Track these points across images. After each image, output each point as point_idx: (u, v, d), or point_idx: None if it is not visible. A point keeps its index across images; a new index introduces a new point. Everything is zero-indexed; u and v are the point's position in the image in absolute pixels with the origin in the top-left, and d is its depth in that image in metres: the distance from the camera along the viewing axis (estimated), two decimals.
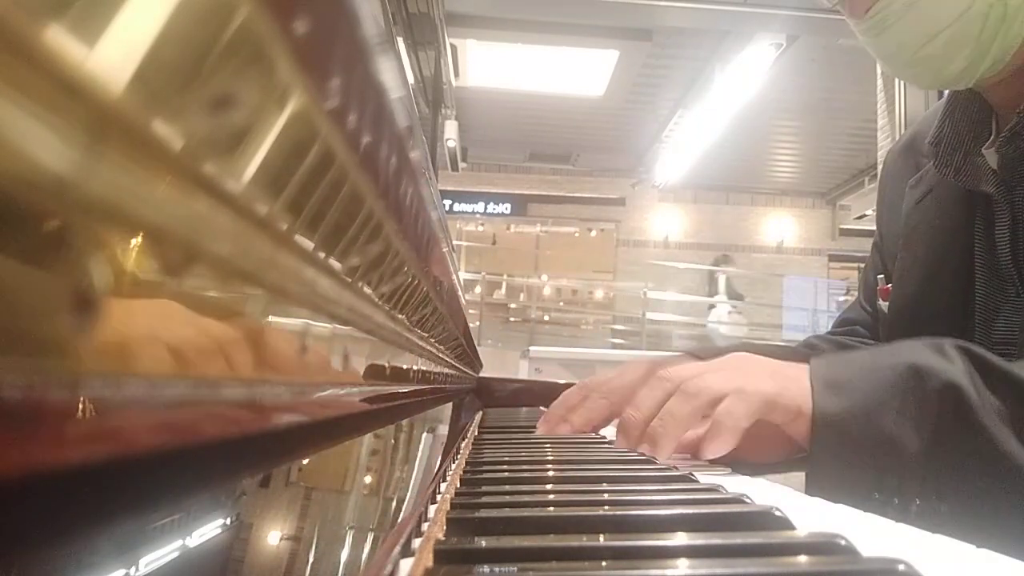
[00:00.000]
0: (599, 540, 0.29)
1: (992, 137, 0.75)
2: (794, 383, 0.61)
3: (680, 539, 0.29)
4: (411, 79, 5.98)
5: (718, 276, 9.41)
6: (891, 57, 0.75)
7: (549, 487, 0.46)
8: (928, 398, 0.55)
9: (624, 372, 0.81)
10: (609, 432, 0.78)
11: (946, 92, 0.82)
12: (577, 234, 10.92)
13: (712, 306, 9.23)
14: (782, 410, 0.60)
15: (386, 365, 0.43)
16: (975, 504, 0.53)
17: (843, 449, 0.57)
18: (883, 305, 0.89)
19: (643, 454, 0.63)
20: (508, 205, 10.54)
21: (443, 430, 0.75)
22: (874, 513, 0.53)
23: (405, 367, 0.52)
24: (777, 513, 0.33)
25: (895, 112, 4.75)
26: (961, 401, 0.54)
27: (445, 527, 0.33)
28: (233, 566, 0.20)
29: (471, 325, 1.55)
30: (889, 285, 0.88)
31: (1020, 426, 0.53)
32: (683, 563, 0.27)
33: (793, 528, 0.32)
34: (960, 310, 0.75)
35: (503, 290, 10.52)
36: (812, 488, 0.58)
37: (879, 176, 0.99)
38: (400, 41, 5.38)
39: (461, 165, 8.27)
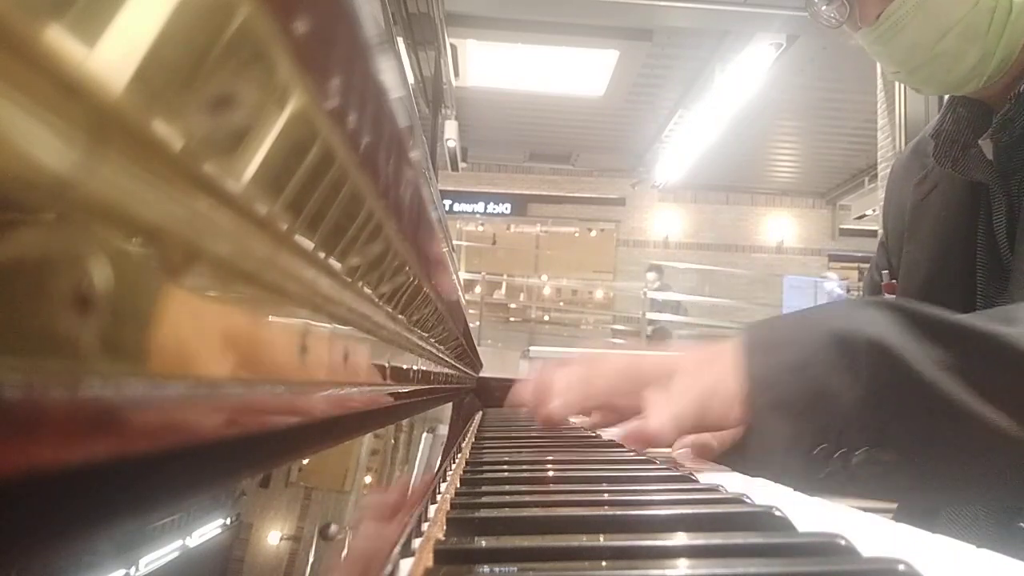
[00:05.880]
0: (599, 540, 0.29)
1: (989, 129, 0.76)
2: (721, 384, 0.59)
3: (680, 539, 0.29)
4: (411, 79, 5.98)
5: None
6: (903, 61, 0.75)
7: (549, 487, 0.46)
8: (857, 358, 0.55)
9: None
10: (609, 430, 0.78)
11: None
12: (577, 234, 10.92)
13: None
14: (719, 403, 0.59)
15: (386, 365, 0.43)
16: (922, 452, 0.52)
17: (781, 404, 0.56)
18: (889, 299, 0.91)
19: (643, 454, 0.63)
20: (508, 205, 10.54)
21: (443, 430, 0.75)
22: (817, 479, 0.54)
23: (405, 367, 0.52)
24: (777, 513, 0.33)
25: (895, 112, 4.74)
26: (890, 356, 0.53)
27: (445, 527, 0.33)
28: (233, 566, 0.20)
29: (471, 325, 1.55)
30: (894, 280, 0.90)
31: (968, 373, 0.51)
32: (683, 563, 0.27)
33: (793, 528, 0.32)
34: (964, 300, 0.76)
35: (503, 290, 10.52)
36: (754, 453, 0.57)
37: (887, 179, 1.00)
38: (400, 41, 5.39)
39: (461, 165, 8.27)
